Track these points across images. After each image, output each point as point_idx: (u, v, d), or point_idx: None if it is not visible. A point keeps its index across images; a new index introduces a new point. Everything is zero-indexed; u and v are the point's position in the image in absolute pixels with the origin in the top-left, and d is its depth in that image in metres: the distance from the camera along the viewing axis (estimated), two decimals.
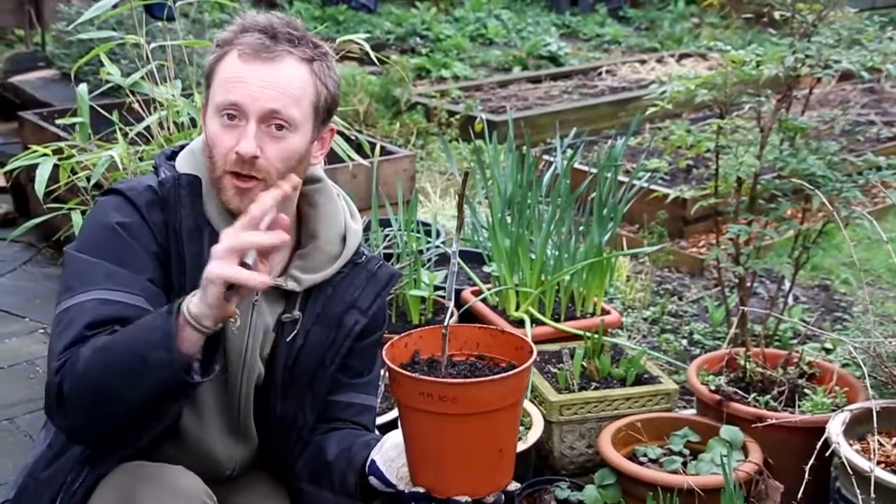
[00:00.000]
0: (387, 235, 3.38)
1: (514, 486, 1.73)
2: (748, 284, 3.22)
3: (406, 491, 1.73)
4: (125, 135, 2.82)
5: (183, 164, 1.86)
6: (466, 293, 3.37)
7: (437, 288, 3.31)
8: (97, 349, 1.62)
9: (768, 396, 2.76)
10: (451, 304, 1.67)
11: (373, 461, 1.80)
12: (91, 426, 1.68)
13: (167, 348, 1.58)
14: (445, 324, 1.68)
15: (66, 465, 1.80)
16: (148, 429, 1.77)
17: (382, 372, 2.23)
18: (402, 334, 1.75)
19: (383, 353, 1.68)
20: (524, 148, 3.40)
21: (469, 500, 1.66)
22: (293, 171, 1.77)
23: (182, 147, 1.92)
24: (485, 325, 1.86)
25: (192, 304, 1.59)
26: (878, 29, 3.05)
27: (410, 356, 1.75)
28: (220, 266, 1.55)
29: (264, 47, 1.74)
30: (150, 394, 1.63)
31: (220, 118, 1.75)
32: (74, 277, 1.74)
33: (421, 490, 1.68)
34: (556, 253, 3.28)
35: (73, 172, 2.76)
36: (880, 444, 2.44)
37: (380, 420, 2.64)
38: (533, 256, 3.25)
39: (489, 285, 3.38)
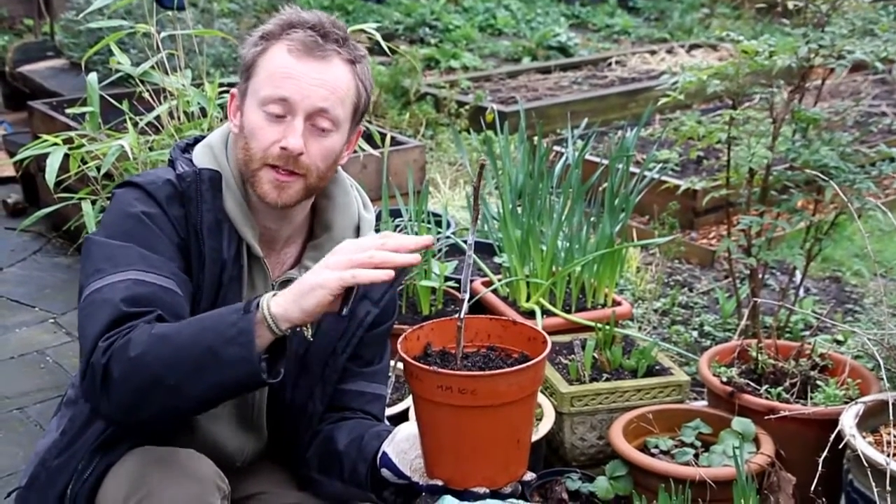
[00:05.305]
0: (397, 226, 3.37)
1: (529, 475, 1.72)
2: (759, 276, 3.20)
3: (422, 483, 1.72)
4: (135, 124, 2.82)
5: (201, 158, 1.84)
6: (477, 284, 3.36)
7: (447, 279, 3.30)
8: (155, 336, 1.58)
9: (780, 388, 2.75)
10: (466, 296, 1.66)
11: (385, 453, 1.79)
12: (135, 412, 1.62)
13: (244, 346, 1.57)
14: (461, 316, 1.67)
15: (77, 453, 1.80)
16: (186, 418, 1.77)
17: (393, 363, 2.23)
18: (415, 327, 1.74)
19: (399, 346, 1.67)
20: (535, 139, 3.39)
21: (487, 491, 1.65)
22: (329, 169, 1.81)
23: (196, 140, 1.91)
24: (497, 317, 1.85)
25: (274, 304, 1.59)
26: (892, 19, 3.03)
27: (423, 348, 1.74)
28: (337, 272, 1.56)
29: (316, 45, 1.74)
30: (214, 388, 1.61)
31: (263, 111, 1.74)
32: (104, 260, 1.70)
33: (439, 483, 1.67)
34: (567, 244, 3.27)
35: (84, 162, 2.76)
36: (894, 436, 2.43)
37: (389, 411, 2.64)
38: (544, 247, 3.24)
39: (500, 276, 3.37)
